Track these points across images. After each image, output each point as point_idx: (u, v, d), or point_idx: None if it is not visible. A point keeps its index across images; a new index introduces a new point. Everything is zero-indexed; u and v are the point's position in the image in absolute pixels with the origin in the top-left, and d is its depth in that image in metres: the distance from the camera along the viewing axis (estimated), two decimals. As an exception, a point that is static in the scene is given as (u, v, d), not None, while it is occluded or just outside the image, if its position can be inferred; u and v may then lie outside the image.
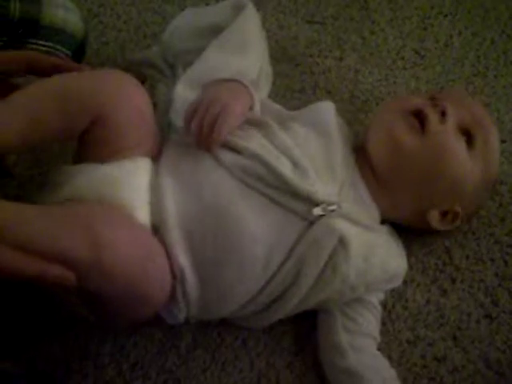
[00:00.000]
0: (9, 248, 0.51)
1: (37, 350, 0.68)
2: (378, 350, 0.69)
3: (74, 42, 0.77)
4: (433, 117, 0.68)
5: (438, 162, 0.67)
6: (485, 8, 1.00)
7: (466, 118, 0.70)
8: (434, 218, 0.71)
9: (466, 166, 0.68)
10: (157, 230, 0.62)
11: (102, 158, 0.63)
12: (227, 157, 0.65)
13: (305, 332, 0.71)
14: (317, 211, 0.63)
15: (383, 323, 0.71)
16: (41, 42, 0.73)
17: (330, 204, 0.64)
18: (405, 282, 0.73)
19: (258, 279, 0.63)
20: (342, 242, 0.63)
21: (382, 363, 0.68)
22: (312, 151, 0.67)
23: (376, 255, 0.67)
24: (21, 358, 0.68)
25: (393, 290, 0.73)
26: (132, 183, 0.63)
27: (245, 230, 0.62)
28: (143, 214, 0.62)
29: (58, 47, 0.74)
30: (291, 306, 0.65)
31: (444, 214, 0.72)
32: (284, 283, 0.64)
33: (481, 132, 0.70)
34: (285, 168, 0.64)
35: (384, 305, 0.72)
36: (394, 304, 0.73)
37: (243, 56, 0.75)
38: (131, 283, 0.56)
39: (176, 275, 0.61)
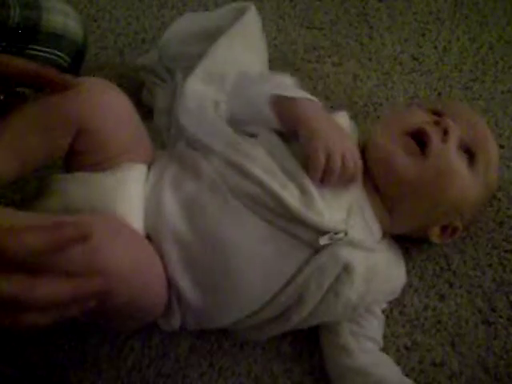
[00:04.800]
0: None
1: (34, 354, 0.68)
2: (376, 355, 0.69)
3: (73, 48, 0.77)
4: (435, 136, 0.66)
5: (439, 183, 0.66)
6: (483, 14, 1.00)
7: (467, 135, 0.68)
8: (434, 234, 0.71)
9: (468, 184, 0.67)
10: (150, 239, 0.62)
11: (93, 166, 0.62)
12: (233, 179, 0.63)
13: (303, 338, 0.71)
14: (323, 241, 0.61)
15: (381, 329, 0.71)
16: (40, 48, 0.73)
17: (336, 232, 0.62)
18: (402, 288, 0.73)
19: (257, 300, 0.63)
20: (347, 268, 0.62)
21: (390, 360, 0.68)
22: None
23: (377, 275, 0.66)
24: (18, 361, 0.68)
25: (390, 296, 0.73)
26: (125, 192, 0.62)
27: (246, 255, 0.61)
28: (136, 223, 0.62)
29: (58, 53, 0.75)
30: (290, 325, 0.65)
31: (444, 229, 0.72)
32: (284, 305, 0.63)
33: (482, 150, 0.69)
34: (291, 198, 0.62)
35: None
36: (391, 309, 0.73)
37: (250, 53, 0.76)
38: (133, 296, 0.56)
39: (172, 284, 0.61)
